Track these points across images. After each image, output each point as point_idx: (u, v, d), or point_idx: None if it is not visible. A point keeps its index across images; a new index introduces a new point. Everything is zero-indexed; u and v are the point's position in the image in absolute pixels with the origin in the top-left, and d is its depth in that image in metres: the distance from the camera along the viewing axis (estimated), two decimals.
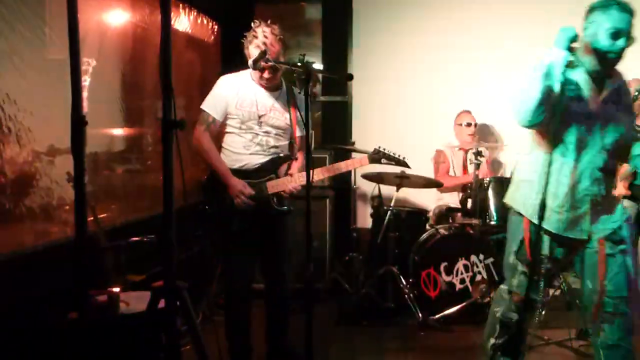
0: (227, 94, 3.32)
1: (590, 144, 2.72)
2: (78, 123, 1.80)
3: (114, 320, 2.86)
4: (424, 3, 5.87)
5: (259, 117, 3.32)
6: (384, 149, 3.52)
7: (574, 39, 2.60)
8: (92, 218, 3.22)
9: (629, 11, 2.62)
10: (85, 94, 3.45)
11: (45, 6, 3.14)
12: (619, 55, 2.64)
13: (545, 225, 2.71)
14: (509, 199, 2.99)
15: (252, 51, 3.20)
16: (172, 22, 4.77)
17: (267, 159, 3.36)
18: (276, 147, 3.39)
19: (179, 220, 1.96)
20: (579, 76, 2.72)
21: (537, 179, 2.75)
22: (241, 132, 3.33)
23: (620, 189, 4.66)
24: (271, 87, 3.36)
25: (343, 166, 3.48)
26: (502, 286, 3.08)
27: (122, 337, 2.85)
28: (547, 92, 2.55)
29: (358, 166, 3.41)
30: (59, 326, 2.80)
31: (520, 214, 2.87)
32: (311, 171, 2.75)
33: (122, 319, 2.86)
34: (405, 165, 3.63)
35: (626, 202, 4.56)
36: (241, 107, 3.31)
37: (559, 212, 2.77)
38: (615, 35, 2.60)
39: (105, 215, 3.66)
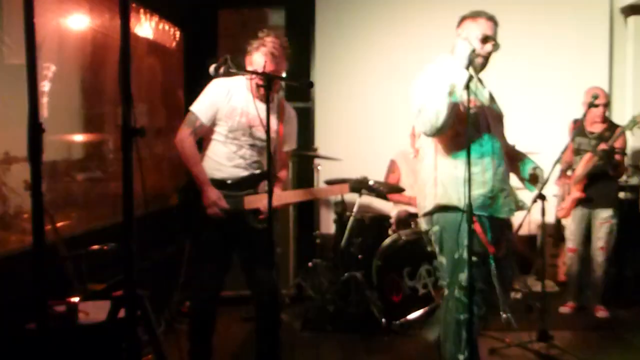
0: (218, 100, 3.21)
1: (494, 138, 3.02)
2: (35, 130, 1.77)
3: (72, 331, 2.81)
4: (387, 10, 5.94)
5: (250, 127, 3.22)
6: (371, 181, 3.20)
7: (472, 55, 2.78)
8: (50, 227, 3.17)
9: (494, 21, 3.03)
10: (45, 100, 3.40)
11: (2, 10, 3.08)
12: (486, 59, 3.03)
13: (495, 214, 2.98)
14: (442, 198, 2.98)
15: (257, 58, 3.15)
16: (133, 28, 4.72)
17: (248, 173, 3.26)
18: (258, 161, 3.28)
19: (139, 228, 1.95)
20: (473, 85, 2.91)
21: (463, 176, 2.77)
22: (227, 141, 3.23)
23: (575, 192, 4.77)
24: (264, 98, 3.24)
25: (322, 193, 3.21)
26: (447, 291, 3.01)
27: (81, 348, 2.80)
28: (452, 107, 2.77)
29: (337, 194, 3.21)
30: (17, 337, 2.74)
31: (457, 210, 2.90)
32: (286, 192, 2.74)
33: (81, 329, 2.81)
34: (387, 196, 3.22)
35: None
36: (231, 115, 3.21)
37: (492, 197, 2.98)
38: (484, 40, 2.98)
39: (64, 223, 3.60)
